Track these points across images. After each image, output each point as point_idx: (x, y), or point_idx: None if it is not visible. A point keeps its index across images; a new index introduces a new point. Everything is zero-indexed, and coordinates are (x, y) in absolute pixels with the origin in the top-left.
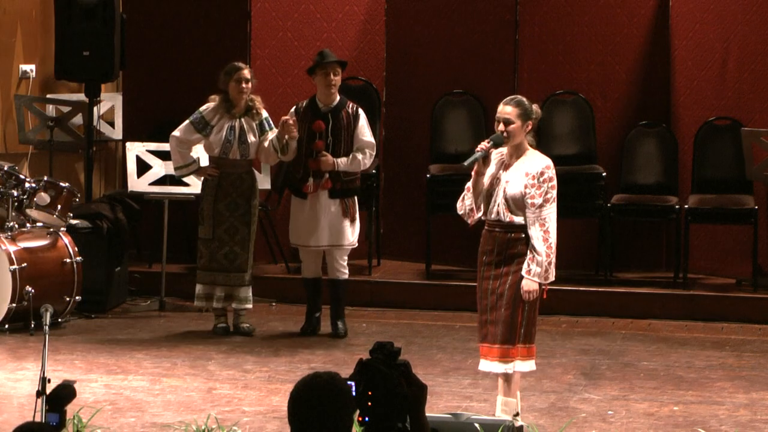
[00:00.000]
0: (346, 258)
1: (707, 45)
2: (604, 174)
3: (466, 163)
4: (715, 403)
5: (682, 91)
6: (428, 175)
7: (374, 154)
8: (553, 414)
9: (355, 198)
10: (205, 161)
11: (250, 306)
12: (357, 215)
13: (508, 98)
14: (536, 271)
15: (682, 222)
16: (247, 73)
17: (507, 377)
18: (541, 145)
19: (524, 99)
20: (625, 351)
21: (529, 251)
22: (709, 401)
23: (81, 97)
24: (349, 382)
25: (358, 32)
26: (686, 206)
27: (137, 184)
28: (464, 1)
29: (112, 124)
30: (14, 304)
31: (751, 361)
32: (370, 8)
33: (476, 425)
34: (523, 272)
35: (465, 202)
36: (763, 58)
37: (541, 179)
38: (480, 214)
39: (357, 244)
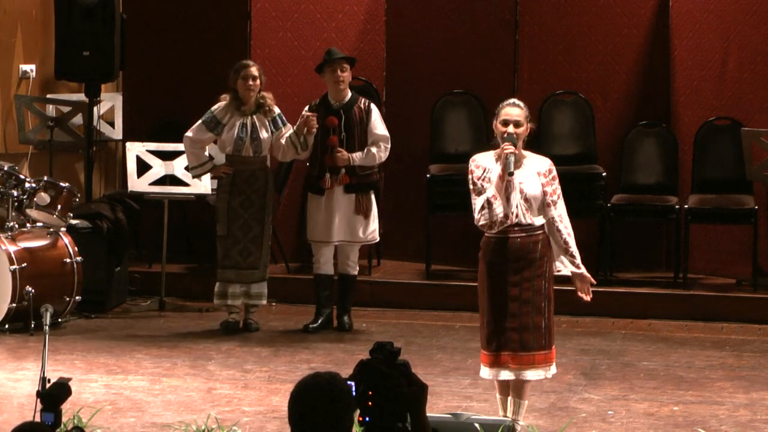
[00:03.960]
0: (357, 254)
1: (707, 45)
2: (604, 174)
3: (511, 170)
4: (715, 403)
5: (682, 91)
6: (428, 175)
7: (389, 146)
8: (553, 414)
9: (371, 194)
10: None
11: (263, 302)
12: (373, 211)
13: (511, 101)
14: (579, 262)
15: (682, 222)
16: (254, 70)
17: (522, 382)
18: (541, 145)
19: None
20: (625, 351)
21: (565, 247)
22: (709, 401)
23: (81, 97)
24: (349, 382)
25: (358, 32)
26: (686, 206)
27: (137, 184)
28: (464, 1)
29: (112, 124)
30: (14, 304)
31: (751, 361)
32: (370, 8)
33: (476, 425)
34: (572, 268)
35: (495, 211)
36: (763, 58)
37: (551, 176)
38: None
39: (377, 239)
